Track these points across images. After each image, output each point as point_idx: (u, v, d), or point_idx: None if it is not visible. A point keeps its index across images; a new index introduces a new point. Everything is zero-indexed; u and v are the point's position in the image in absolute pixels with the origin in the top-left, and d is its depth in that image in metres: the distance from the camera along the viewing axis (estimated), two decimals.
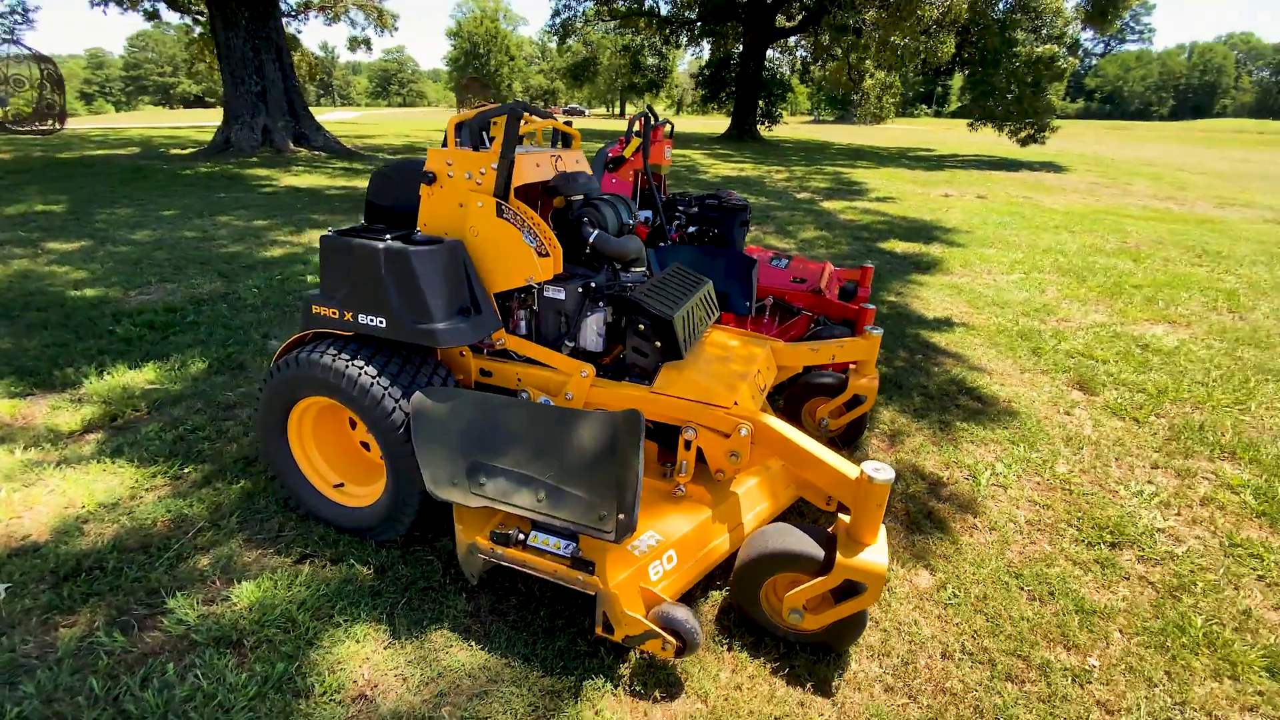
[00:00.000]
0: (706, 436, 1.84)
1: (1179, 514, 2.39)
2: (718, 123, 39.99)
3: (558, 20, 24.67)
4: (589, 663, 1.60)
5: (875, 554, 1.51)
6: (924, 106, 60.13)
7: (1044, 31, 17.35)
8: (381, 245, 1.74)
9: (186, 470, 2.30)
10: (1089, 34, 18.55)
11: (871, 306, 3.08)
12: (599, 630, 1.56)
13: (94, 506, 2.09)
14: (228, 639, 1.61)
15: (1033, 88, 17.80)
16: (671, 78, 29.36)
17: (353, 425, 2.11)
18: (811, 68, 24.94)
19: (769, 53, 24.47)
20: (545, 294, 2.03)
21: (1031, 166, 16.98)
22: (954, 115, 67.99)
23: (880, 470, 1.49)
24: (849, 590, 1.56)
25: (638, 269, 2.18)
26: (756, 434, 1.80)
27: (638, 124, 3.53)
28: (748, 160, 16.13)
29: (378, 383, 1.76)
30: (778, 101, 26.23)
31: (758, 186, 11.23)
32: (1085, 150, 24.16)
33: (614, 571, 1.54)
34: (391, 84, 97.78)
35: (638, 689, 1.54)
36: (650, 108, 3.70)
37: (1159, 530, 2.27)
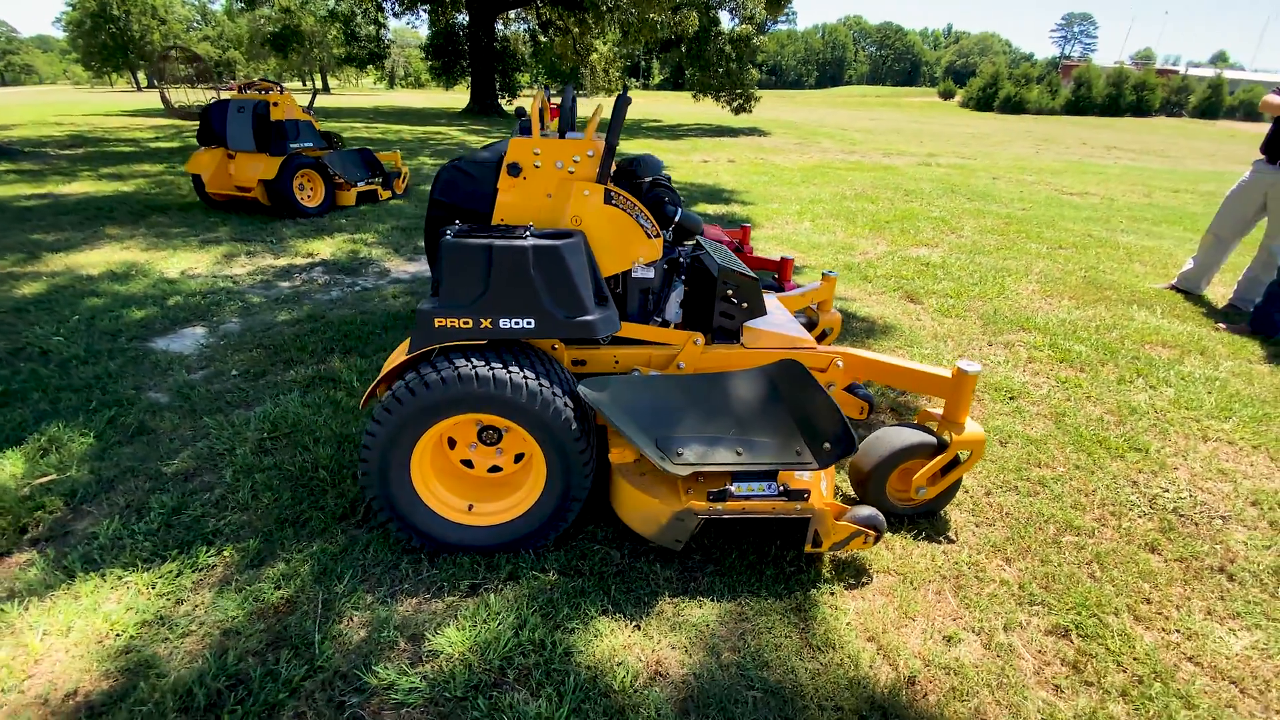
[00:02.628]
0: None
1: (1024, 370, 3.44)
2: (448, 98, 38.09)
3: None
4: (802, 577, 1.85)
5: (973, 427, 2.03)
6: (633, 80, 64.65)
7: (740, 13, 20.15)
8: (529, 243, 1.67)
9: (224, 553, 1.86)
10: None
11: (791, 257, 3.65)
12: (809, 547, 1.82)
13: (135, 630, 1.61)
14: (486, 682, 1.49)
15: (737, 63, 20.66)
16: (389, 49, 27.00)
17: (451, 445, 1.95)
18: (541, 40, 25.21)
19: (496, 25, 24.01)
20: (634, 274, 2.10)
21: (745, 132, 19.84)
22: (659, 88, 74.59)
23: (970, 365, 2.00)
24: (953, 462, 2.06)
25: (689, 242, 2.36)
26: (848, 363, 2.19)
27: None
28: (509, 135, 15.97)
29: (544, 386, 1.71)
30: (515, 75, 26.05)
31: None
32: (771, 116, 28.91)
33: (814, 495, 1.81)
34: None
35: (848, 581, 1.86)
36: (548, 87, 3.70)
37: (1025, 383, 3.27)
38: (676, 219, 2.17)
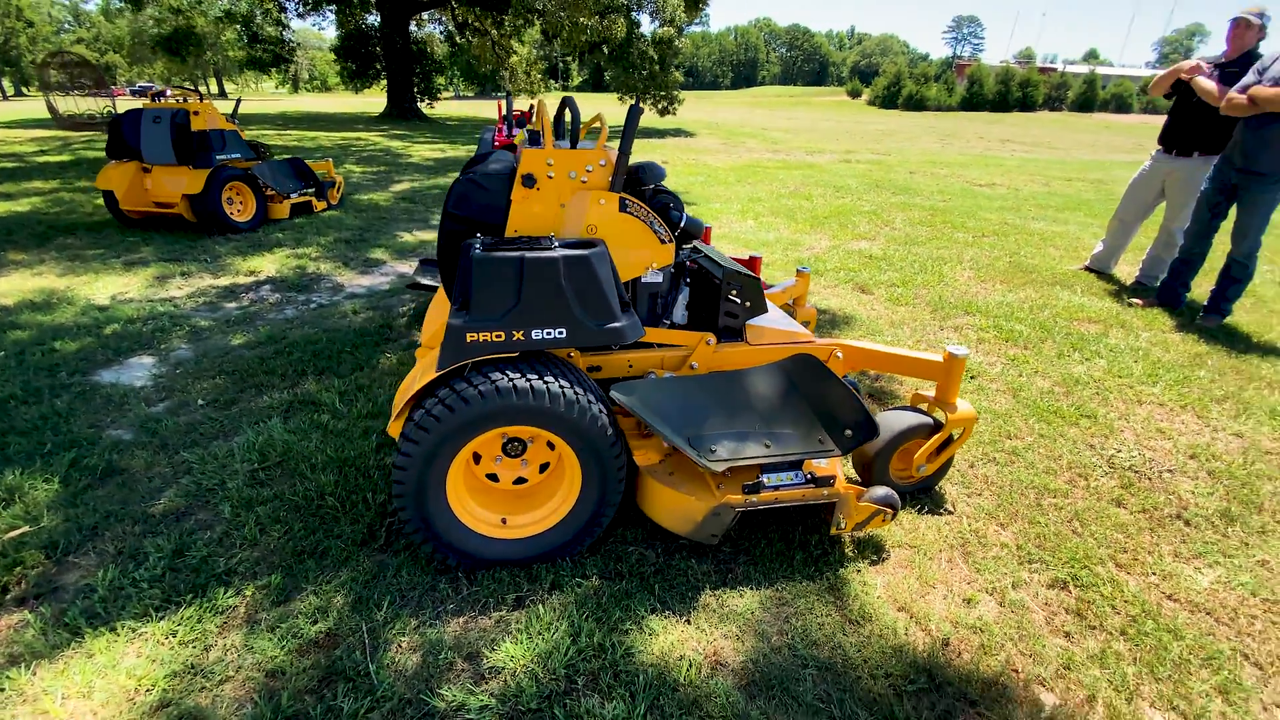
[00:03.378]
0: None
1: (977, 350, 3.73)
2: (361, 101, 36.48)
3: None
4: (829, 558, 1.96)
5: (964, 406, 2.21)
6: (552, 81, 64.30)
7: (660, 16, 20.43)
8: (559, 254, 1.68)
9: (245, 592, 1.77)
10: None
11: (759, 255, 3.79)
12: (834, 530, 1.93)
13: (165, 682, 1.51)
14: (551, 690, 1.50)
15: (660, 65, 20.94)
16: (295, 52, 25.61)
17: (476, 460, 1.93)
18: (458, 41, 24.61)
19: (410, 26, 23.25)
20: (644, 279, 2.15)
21: (672, 134, 20.15)
22: (578, 89, 74.43)
23: (959, 349, 2.18)
24: (947, 440, 2.23)
25: (687, 246, 2.43)
26: (847, 354, 2.32)
27: (531, 112, 3.50)
28: (436, 140, 15.53)
29: (579, 394, 1.73)
30: (434, 77, 25.31)
31: None
32: (694, 117, 29.47)
33: (838, 480, 1.92)
34: None
35: (870, 557, 1.98)
36: (508, 95, 3.68)
37: (980, 362, 3.54)
38: (682, 224, 2.23)
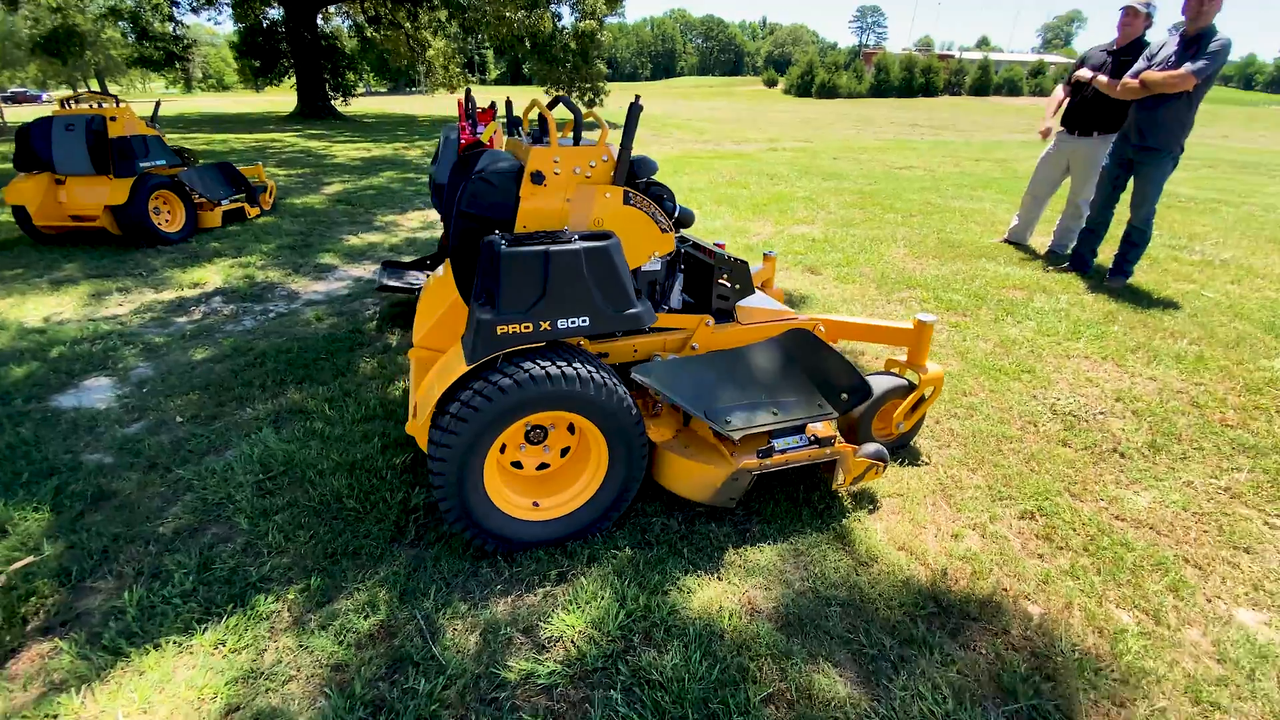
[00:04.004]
0: None
1: None
2: (265, 100, 34.35)
3: None
4: (832, 511, 2.16)
5: (934, 367, 2.46)
6: (470, 75, 62.84)
7: (580, 8, 20.37)
8: (580, 246, 1.78)
9: (287, 596, 1.78)
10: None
11: (723, 242, 3.98)
12: (835, 485, 2.13)
13: (228, 690, 1.53)
14: (612, 650, 1.62)
15: (583, 57, 20.90)
16: (191, 49, 23.84)
17: (501, 449, 2.01)
18: (372, 35, 23.63)
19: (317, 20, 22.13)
20: (644, 268, 2.26)
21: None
22: (496, 83, 72.86)
23: (928, 316, 2.42)
24: (920, 400, 2.48)
25: (676, 235, 2.56)
26: (828, 327, 2.53)
27: (499, 109, 3.49)
28: (358, 138, 14.94)
29: (604, 377, 1.84)
30: (347, 73, 24.19)
31: (412, 166, 10.84)
32: (619, 109, 29.55)
33: (837, 440, 2.12)
34: None
35: (866, 506, 2.20)
36: (468, 89, 3.66)
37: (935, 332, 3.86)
38: (676, 214, 2.36)
